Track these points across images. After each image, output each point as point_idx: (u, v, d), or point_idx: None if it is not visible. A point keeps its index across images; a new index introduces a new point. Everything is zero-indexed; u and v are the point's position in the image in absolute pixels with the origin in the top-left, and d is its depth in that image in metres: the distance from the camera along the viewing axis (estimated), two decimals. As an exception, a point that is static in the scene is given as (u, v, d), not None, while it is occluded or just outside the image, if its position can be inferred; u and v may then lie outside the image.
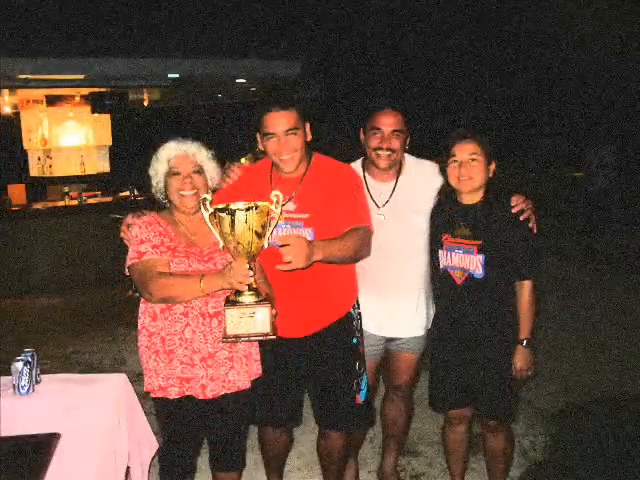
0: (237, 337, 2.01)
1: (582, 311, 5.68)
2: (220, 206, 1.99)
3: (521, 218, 2.36)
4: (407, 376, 2.76)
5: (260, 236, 1.99)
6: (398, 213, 2.55)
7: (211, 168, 2.29)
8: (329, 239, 2.24)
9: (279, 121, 2.29)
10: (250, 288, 2.00)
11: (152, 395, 2.22)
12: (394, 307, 2.60)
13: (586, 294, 6.20)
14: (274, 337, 2.02)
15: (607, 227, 9.16)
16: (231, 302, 2.02)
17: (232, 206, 1.96)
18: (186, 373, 2.17)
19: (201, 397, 2.18)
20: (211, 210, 2.01)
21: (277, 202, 2.03)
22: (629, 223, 9.40)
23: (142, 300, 2.23)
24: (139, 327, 2.25)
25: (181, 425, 2.24)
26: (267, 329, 1.99)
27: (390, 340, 2.68)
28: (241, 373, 2.23)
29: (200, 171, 2.24)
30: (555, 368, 4.33)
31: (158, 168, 2.25)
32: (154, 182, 2.28)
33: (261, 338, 2.05)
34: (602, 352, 4.70)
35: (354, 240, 2.28)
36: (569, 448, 3.35)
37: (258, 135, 2.38)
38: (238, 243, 1.97)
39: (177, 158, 2.23)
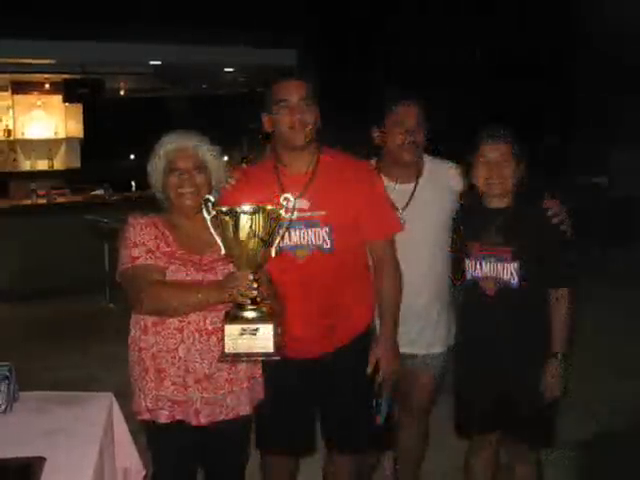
0: (237, 356, 1.99)
1: (608, 330, 5.69)
2: (223, 208, 1.98)
3: (555, 221, 2.41)
4: (423, 398, 2.77)
5: (267, 243, 1.97)
6: (420, 217, 2.57)
7: (215, 166, 2.27)
8: (387, 325, 2.42)
9: (294, 90, 2.31)
10: (253, 302, 1.98)
11: (139, 417, 2.22)
12: (411, 321, 2.60)
13: (611, 312, 6.21)
14: (278, 357, 1.99)
15: (633, 238, 9.19)
16: (231, 317, 1.99)
17: (237, 208, 1.94)
18: (178, 395, 2.15)
19: (194, 423, 2.16)
20: (213, 212, 1.98)
21: (287, 206, 1.99)
22: None
23: (134, 310, 2.23)
24: (129, 340, 2.25)
25: (171, 453, 2.23)
26: (270, 348, 1.96)
27: (405, 357, 2.66)
28: (242, 398, 2.22)
29: (201, 168, 2.23)
30: (579, 392, 4.35)
31: (156, 164, 2.24)
32: (152, 179, 2.27)
33: (264, 358, 2.04)
34: (630, 376, 4.71)
35: (397, 298, 2.43)
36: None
37: (265, 116, 2.37)
38: (242, 250, 1.95)
39: (176, 152, 2.22)
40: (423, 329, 2.65)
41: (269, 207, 1.97)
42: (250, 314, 1.97)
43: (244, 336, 1.95)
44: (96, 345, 5.33)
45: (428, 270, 2.62)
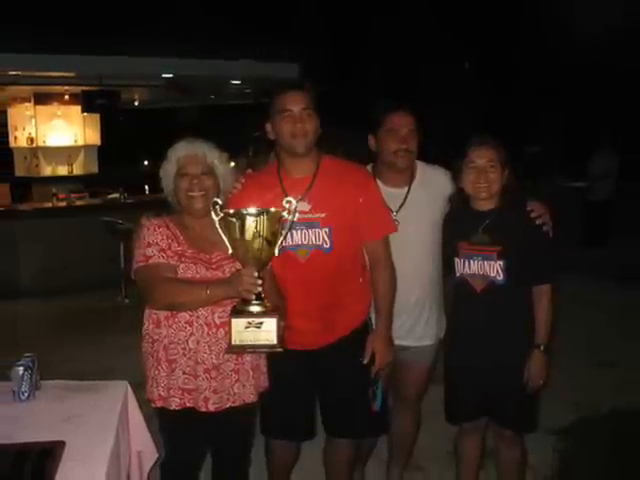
0: (242, 348, 2.00)
1: (587, 324, 5.68)
2: (230, 210, 2.00)
3: (537, 222, 2.42)
4: (415, 387, 2.77)
5: (271, 243, 1.98)
6: (412, 219, 2.56)
7: (223, 171, 2.27)
8: (382, 319, 2.43)
9: (296, 99, 2.31)
10: (258, 297, 1.98)
11: (152, 404, 2.23)
12: (404, 316, 2.60)
13: (591, 307, 6.20)
14: (281, 349, 2.00)
15: (610, 238, 9.11)
16: (237, 311, 2.01)
17: (242, 211, 1.97)
18: (188, 384, 2.16)
19: (203, 410, 2.17)
20: (221, 215, 2.00)
21: (290, 209, 2.01)
22: (632, 234, 9.15)
23: (147, 305, 2.24)
24: (143, 332, 2.25)
25: (182, 437, 2.24)
26: (274, 340, 1.97)
27: (398, 349, 2.64)
28: (247, 386, 2.23)
29: (210, 173, 2.23)
30: (561, 382, 4.35)
31: (168, 169, 2.25)
32: (164, 184, 2.27)
33: (267, 350, 2.04)
34: (609, 366, 4.75)
35: (392, 295, 2.42)
36: (578, 464, 3.38)
37: (268, 124, 2.37)
38: (247, 250, 1.96)
39: (186, 158, 2.22)
40: (415, 323, 2.64)
41: (273, 209, 1.98)
42: (255, 309, 1.98)
43: (249, 329, 1.96)
44: (113, 338, 5.32)
45: (420, 268, 2.61)
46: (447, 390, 2.64)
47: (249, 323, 1.96)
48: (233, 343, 1.98)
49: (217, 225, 2.00)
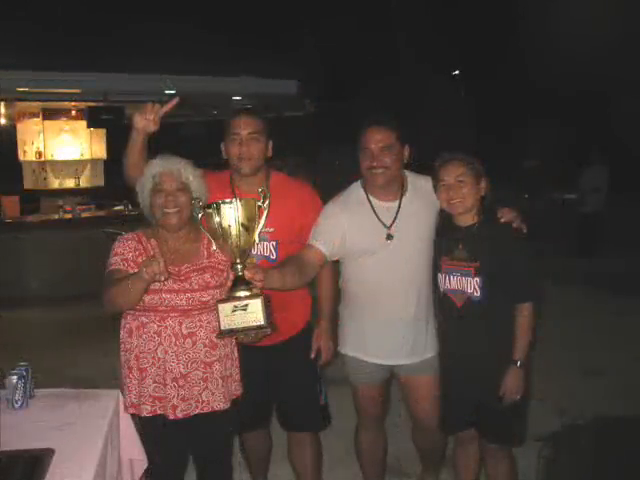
0: (232, 332, 2.03)
1: (575, 333, 5.66)
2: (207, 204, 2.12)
3: (514, 226, 2.37)
4: (430, 402, 2.61)
5: (248, 229, 2.04)
6: (407, 232, 2.48)
7: (197, 186, 2.26)
8: (325, 319, 2.61)
9: (244, 124, 2.45)
10: (243, 282, 2.03)
11: (126, 411, 2.24)
12: (404, 332, 2.54)
13: (579, 316, 6.18)
14: (268, 330, 2.03)
15: (599, 249, 9.14)
16: (225, 297, 2.07)
17: (219, 201, 2.05)
18: (158, 392, 2.19)
19: (172, 417, 2.19)
20: (201, 212, 2.12)
21: (264, 196, 2.12)
22: (620, 245, 9.24)
23: (123, 314, 2.26)
24: (120, 341, 2.28)
25: (155, 443, 2.27)
26: (261, 321, 2.00)
27: (400, 367, 2.61)
28: (216, 394, 2.24)
29: (185, 189, 2.23)
30: (548, 390, 4.31)
31: (144, 185, 2.25)
32: (140, 199, 2.28)
33: (256, 331, 2.04)
34: (595, 374, 4.72)
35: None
36: (564, 470, 3.36)
37: (222, 144, 2.51)
38: (227, 237, 2.03)
39: (162, 175, 2.22)
40: (416, 337, 2.56)
41: (245, 198, 2.08)
42: (240, 293, 2.03)
43: (236, 312, 2.01)
44: (117, 345, 5.31)
45: (416, 281, 2.53)
46: (440, 400, 2.59)
47: (235, 307, 2.01)
48: (222, 328, 2.02)
49: (199, 220, 2.11)
